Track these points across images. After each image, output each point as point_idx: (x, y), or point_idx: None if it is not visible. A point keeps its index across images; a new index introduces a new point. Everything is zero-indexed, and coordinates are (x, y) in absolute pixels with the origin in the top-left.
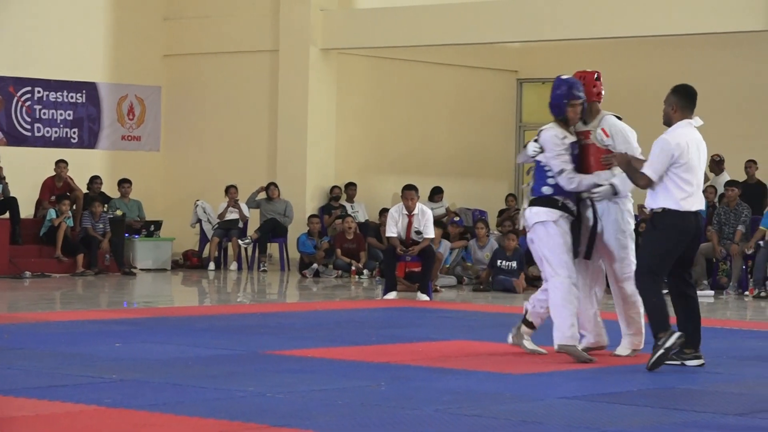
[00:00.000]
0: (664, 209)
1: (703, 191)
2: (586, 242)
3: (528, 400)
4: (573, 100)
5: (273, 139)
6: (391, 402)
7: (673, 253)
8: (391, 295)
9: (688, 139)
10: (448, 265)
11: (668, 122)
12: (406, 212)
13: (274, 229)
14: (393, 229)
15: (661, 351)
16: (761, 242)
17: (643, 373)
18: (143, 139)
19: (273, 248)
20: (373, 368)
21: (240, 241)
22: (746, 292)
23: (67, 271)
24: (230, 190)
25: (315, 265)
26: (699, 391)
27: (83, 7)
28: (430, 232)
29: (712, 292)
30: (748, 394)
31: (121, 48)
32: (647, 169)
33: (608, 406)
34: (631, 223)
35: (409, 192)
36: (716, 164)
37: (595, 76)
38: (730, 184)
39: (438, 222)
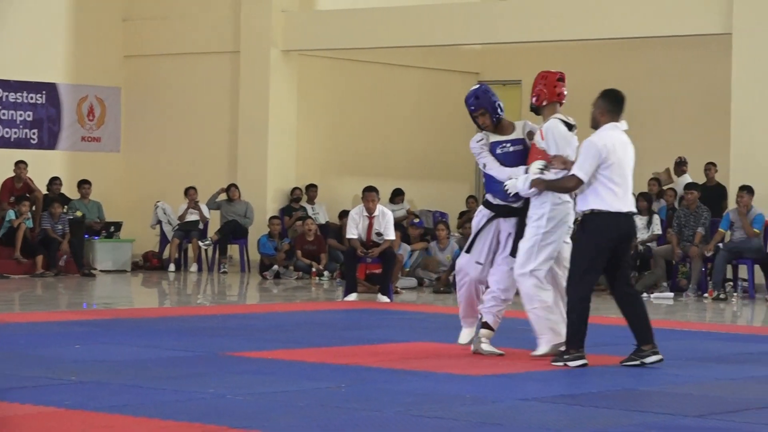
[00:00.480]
0: (593, 211)
1: (664, 193)
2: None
3: (488, 402)
4: (473, 112)
5: (234, 140)
6: (352, 404)
7: (604, 255)
8: (352, 297)
9: (615, 140)
10: (408, 268)
11: (595, 125)
12: (367, 214)
13: (234, 231)
14: (353, 230)
15: (561, 364)
16: (720, 244)
17: (602, 374)
18: (103, 140)
19: (233, 250)
20: (334, 370)
21: (200, 243)
22: (705, 294)
23: (26, 272)
24: (189, 192)
25: (275, 267)
26: (658, 393)
27: (43, 8)
28: (390, 234)
29: (671, 294)
30: (707, 395)
31: (81, 49)
32: (576, 170)
33: (568, 407)
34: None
35: (369, 194)
36: (678, 166)
37: (558, 77)
38: (689, 187)
39: (397, 225)
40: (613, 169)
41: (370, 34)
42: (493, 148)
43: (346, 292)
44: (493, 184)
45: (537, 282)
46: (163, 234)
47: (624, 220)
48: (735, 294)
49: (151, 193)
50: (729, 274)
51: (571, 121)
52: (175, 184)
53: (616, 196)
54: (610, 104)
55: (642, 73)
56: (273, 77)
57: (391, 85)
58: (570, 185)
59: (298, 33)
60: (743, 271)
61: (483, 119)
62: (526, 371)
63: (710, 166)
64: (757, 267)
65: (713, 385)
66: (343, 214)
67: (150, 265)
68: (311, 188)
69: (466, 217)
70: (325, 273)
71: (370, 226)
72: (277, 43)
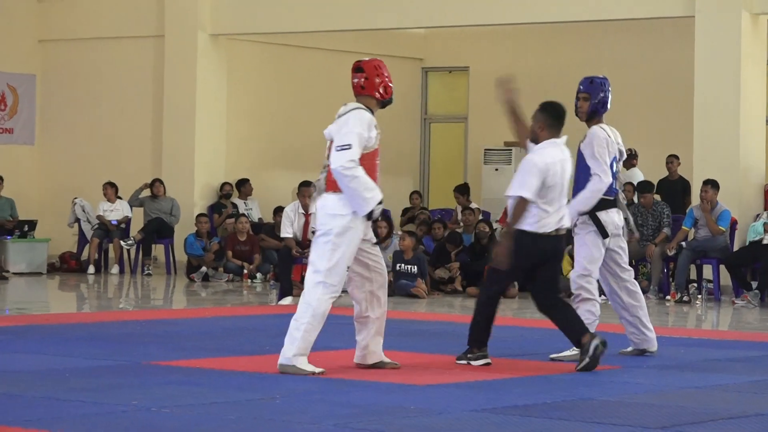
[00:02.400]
0: (520, 231)
1: (622, 189)
2: None
3: (434, 414)
4: (579, 92)
5: (158, 131)
6: (287, 416)
7: (520, 272)
8: (287, 301)
9: (555, 159)
10: None
11: (535, 140)
12: (303, 211)
13: (159, 230)
14: (289, 229)
15: (465, 362)
16: (683, 243)
17: (557, 383)
18: (16, 131)
19: (158, 250)
20: (268, 380)
21: (122, 242)
22: (667, 297)
23: None
24: (107, 187)
25: (204, 269)
26: (617, 403)
27: None
28: None
29: None
30: (669, 405)
31: None
32: (521, 191)
33: (521, 419)
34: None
35: (306, 189)
36: (627, 159)
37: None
38: (643, 188)
39: None
40: (548, 189)
41: (306, 17)
42: None
43: (281, 296)
44: None
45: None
46: (81, 233)
47: (549, 241)
48: (699, 296)
49: (69, 189)
50: (693, 275)
51: None
52: (94, 179)
53: (544, 216)
54: (551, 119)
55: (599, 59)
56: (200, 63)
57: (329, 73)
58: (520, 210)
59: (227, 16)
60: (708, 272)
61: (582, 104)
62: (475, 380)
63: (672, 159)
64: (722, 267)
65: (676, 395)
66: (278, 211)
67: (67, 266)
68: (243, 183)
69: (409, 215)
70: (258, 275)
71: (307, 223)
72: (204, 26)
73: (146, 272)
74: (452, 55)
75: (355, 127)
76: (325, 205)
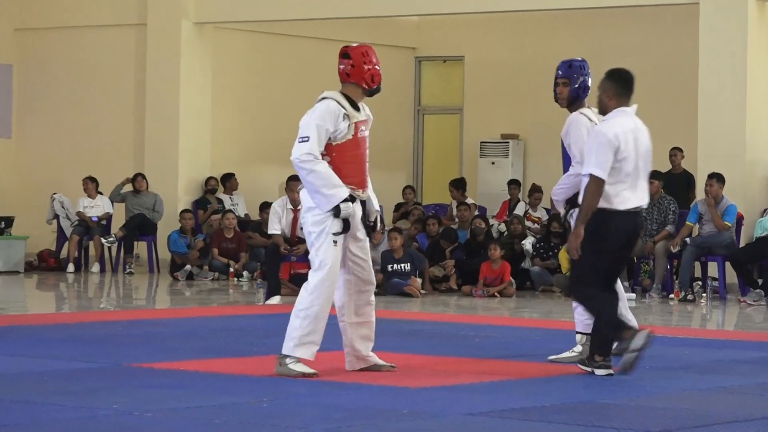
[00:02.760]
0: (599, 209)
1: None
2: None
3: (428, 417)
4: (557, 77)
5: (140, 124)
6: (275, 420)
7: (608, 258)
8: (275, 300)
9: (626, 128)
10: None
11: (603, 111)
12: (291, 206)
13: (141, 226)
14: (276, 225)
15: (589, 370)
16: (687, 239)
17: (557, 385)
18: None
19: (141, 247)
20: (255, 382)
21: (103, 240)
22: (671, 295)
23: None
24: (87, 182)
25: (188, 267)
26: (619, 406)
27: None
28: None
29: (633, 295)
30: (673, 408)
31: None
32: (591, 168)
33: (519, 423)
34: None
35: (294, 183)
36: None
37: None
38: (650, 176)
39: None
40: (624, 162)
41: (294, 4)
42: None
43: (268, 295)
44: None
45: None
46: (60, 230)
47: (631, 219)
48: (704, 295)
49: (47, 184)
50: (697, 273)
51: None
52: (73, 174)
53: (624, 191)
54: (620, 87)
55: (598, 48)
56: (184, 53)
57: (318, 62)
58: (593, 189)
59: (212, 3)
60: (713, 269)
61: (561, 90)
62: (471, 382)
63: (676, 152)
64: (728, 264)
65: (680, 397)
66: (265, 207)
67: (46, 265)
68: (228, 178)
69: (402, 210)
70: (245, 273)
71: (295, 220)
72: (188, 14)
73: (128, 271)
74: (447, 44)
75: (316, 119)
76: (304, 198)
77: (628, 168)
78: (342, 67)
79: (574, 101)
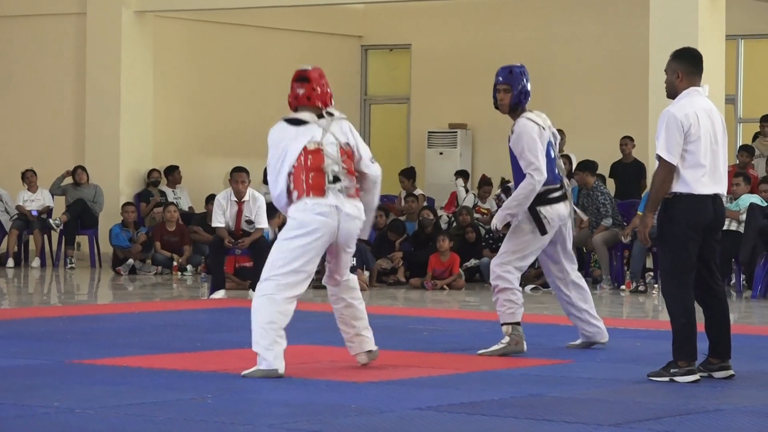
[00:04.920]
0: (675, 194)
1: (575, 173)
2: None
3: (376, 413)
4: (497, 83)
5: (80, 115)
6: (220, 417)
7: (693, 246)
8: (219, 294)
9: (697, 108)
10: None
11: (673, 93)
12: (236, 199)
13: (82, 216)
14: (220, 218)
15: (667, 379)
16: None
17: (506, 379)
18: None
19: (82, 241)
20: (199, 378)
21: (50, 219)
22: (622, 287)
23: None
24: (28, 175)
25: (131, 261)
26: (569, 399)
27: None
28: (262, 222)
29: None
30: (624, 401)
31: None
32: (661, 152)
33: (468, 417)
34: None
35: (239, 174)
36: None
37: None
38: (580, 167)
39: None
40: (697, 143)
41: None
42: None
43: (213, 289)
44: None
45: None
46: None
47: (711, 203)
48: (656, 285)
49: None
50: (649, 264)
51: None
52: (12, 167)
53: (701, 175)
54: (689, 65)
55: (548, 36)
56: (125, 42)
57: (263, 52)
58: (663, 174)
59: None
60: None
61: (502, 96)
62: (419, 377)
63: (627, 141)
64: None
65: (631, 390)
66: (211, 199)
67: None
68: (171, 170)
69: None
70: (189, 267)
71: (240, 212)
72: (129, 2)
73: (69, 265)
74: (393, 32)
75: None
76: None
77: (703, 150)
78: (302, 91)
79: (516, 107)
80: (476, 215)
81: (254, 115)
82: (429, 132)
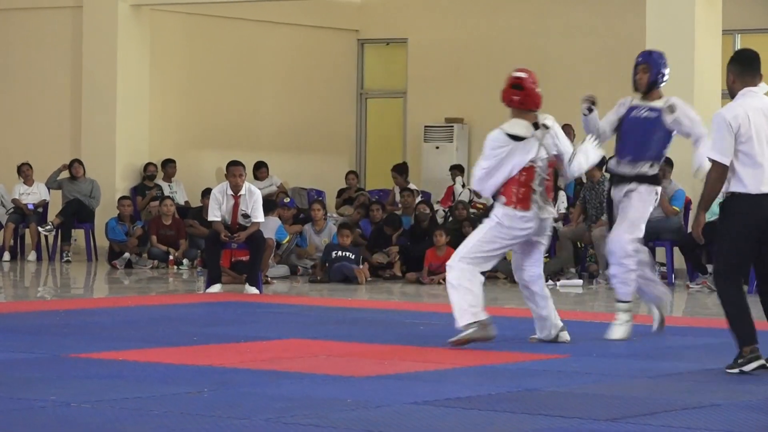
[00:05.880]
0: (732, 194)
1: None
2: None
3: (372, 407)
4: (637, 63)
5: (77, 109)
6: (216, 411)
7: (750, 242)
8: (215, 288)
9: (748, 108)
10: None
11: (732, 96)
12: (232, 192)
13: (78, 212)
14: (216, 212)
15: (736, 371)
16: None
17: (502, 374)
18: None
19: (78, 235)
20: (195, 372)
21: (40, 228)
22: None
23: None
24: (24, 169)
25: (127, 255)
26: (566, 394)
27: None
28: (259, 216)
29: (580, 282)
30: (620, 396)
31: None
32: (711, 153)
33: (464, 411)
34: None
35: (235, 168)
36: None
37: (511, 83)
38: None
39: (269, 202)
40: (749, 143)
41: None
42: (629, 111)
43: (209, 283)
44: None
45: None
46: None
47: (765, 202)
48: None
49: None
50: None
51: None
52: (8, 161)
53: (758, 174)
54: (740, 67)
55: (545, 30)
56: (121, 36)
57: (259, 45)
58: (714, 175)
59: None
60: (661, 255)
61: (641, 76)
62: (415, 371)
63: None
64: (676, 249)
65: (627, 385)
66: (206, 193)
67: None
68: (168, 164)
69: (345, 196)
70: (185, 261)
71: (236, 206)
72: None
73: (65, 259)
74: (390, 26)
75: None
76: None
77: (758, 149)
78: (517, 98)
79: (652, 86)
80: (472, 210)
81: (251, 109)
82: (425, 126)
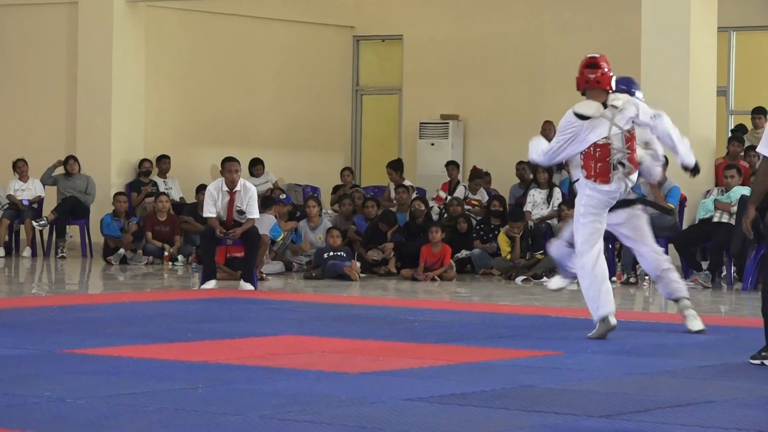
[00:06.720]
0: None
1: (565, 164)
2: None
3: (367, 403)
4: None
5: (72, 105)
6: (211, 407)
7: None
8: (210, 285)
9: None
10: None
11: None
12: (227, 189)
13: (73, 209)
14: (212, 208)
15: (758, 362)
16: None
17: (497, 370)
18: None
19: (73, 231)
20: (190, 368)
21: (34, 223)
22: (613, 278)
23: None
24: (19, 164)
25: (122, 251)
26: (560, 390)
27: None
28: (254, 212)
29: (574, 279)
30: (615, 393)
31: None
32: (761, 149)
33: (459, 408)
34: None
35: (231, 164)
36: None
37: (587, 63)
38: None
39: (268, 198)
40: None
41: None
42: None
43: (204, 279)
44: None
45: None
46: None
47: None
48: (646, 277)
49: None
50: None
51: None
52: (3, 156)
53: None
54: None
55: (540, 27)
56: (117, 31)
57: (254, 41)
58: (763, 170)
59: None
60: None
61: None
62: (410, 368)
63: None
64: (671, 246)
65: (622, 381)
66: (201, 190)
67: None
68: (163, 160)
69: (341, 192)
70: (180, 257)
71: (231, 202)
72: None
73: (60, 255)
74: (385, 23)
75: None
76: None
77: None
78: (593, 76)
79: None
80: (467, 207)
81: (246, 105)
82: (421, 123)
